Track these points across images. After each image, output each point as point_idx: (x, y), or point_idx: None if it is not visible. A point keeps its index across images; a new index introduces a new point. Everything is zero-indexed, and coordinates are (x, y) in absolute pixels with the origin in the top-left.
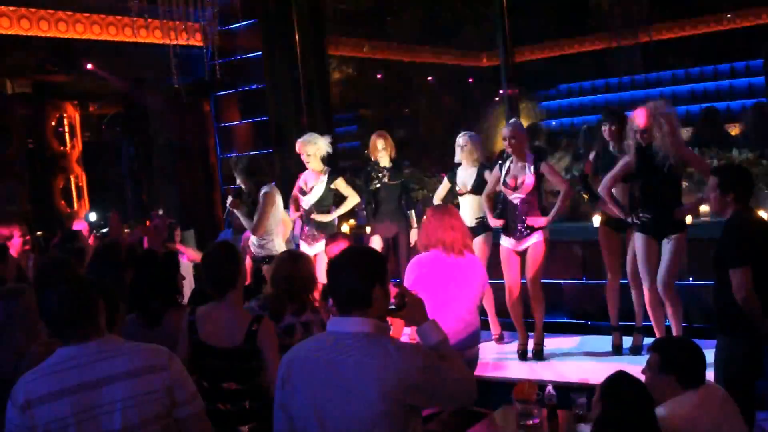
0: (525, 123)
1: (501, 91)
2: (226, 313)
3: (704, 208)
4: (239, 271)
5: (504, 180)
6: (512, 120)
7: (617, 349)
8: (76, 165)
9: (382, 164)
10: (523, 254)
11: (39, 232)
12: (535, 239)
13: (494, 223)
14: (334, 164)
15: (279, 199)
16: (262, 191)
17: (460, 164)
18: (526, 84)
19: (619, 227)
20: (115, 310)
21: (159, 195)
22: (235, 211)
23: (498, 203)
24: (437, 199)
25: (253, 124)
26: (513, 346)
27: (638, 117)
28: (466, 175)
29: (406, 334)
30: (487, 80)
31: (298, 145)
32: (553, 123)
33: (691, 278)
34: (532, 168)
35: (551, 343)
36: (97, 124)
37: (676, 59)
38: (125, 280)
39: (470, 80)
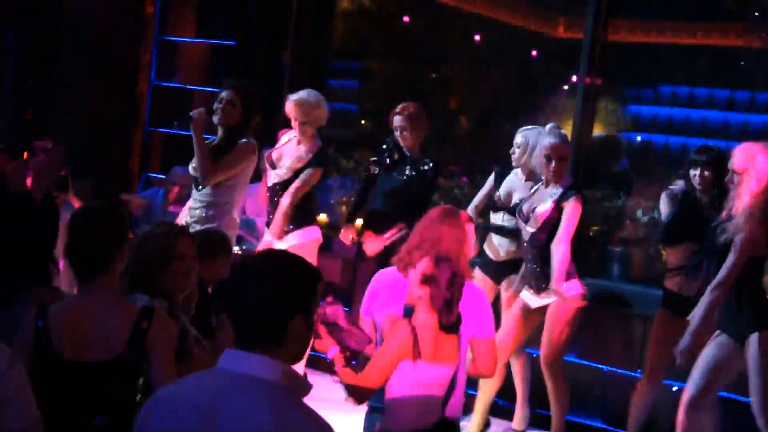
0: (601, 132)
1: (575, 77)
2: (97, 308)
3: None
4: (118, 248)
5: (519, 207)
6: (556, 130)
7: None
8: None
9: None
10: (538, 313)
11: None
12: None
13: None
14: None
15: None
16: (243, 140)
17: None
18: (615, 75)
19: (685, 311)
20: None
21: (54, 119)
22: (193, 128)
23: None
24: (474, 205)
25: (211, 46)
26: None
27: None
28: (516, 184)
29: None
30: (559, 57)
31: (290, 105)
32: (639, 138)
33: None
34: (557, 196)
35: None
36: None
37: None
38: None
39: (533, 53)
